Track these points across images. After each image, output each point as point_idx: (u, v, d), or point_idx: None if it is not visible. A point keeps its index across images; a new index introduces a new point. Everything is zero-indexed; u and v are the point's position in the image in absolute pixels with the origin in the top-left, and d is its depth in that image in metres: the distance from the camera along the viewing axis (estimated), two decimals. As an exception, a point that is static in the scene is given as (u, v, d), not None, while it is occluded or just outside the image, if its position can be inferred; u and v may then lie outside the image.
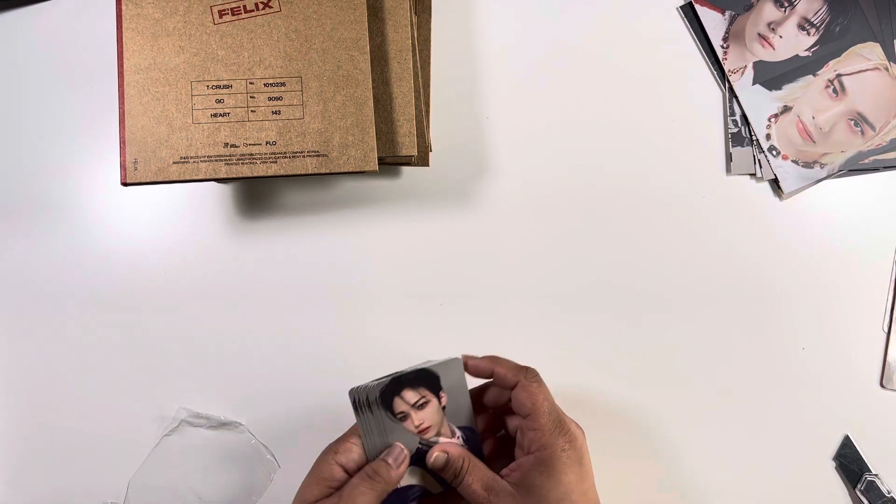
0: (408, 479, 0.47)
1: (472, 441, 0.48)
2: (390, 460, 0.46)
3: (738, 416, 0.56)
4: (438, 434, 0.48)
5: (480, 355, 0.48)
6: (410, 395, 0.47)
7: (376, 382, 0.46)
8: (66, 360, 0.58)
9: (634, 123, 0.59)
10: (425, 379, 0.47)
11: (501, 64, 0.60)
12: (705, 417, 0.56)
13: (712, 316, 0.57)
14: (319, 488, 0.45)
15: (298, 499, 0.46)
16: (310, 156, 0.49)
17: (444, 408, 0.48)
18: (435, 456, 0.46)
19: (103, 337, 0.58)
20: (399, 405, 0.47)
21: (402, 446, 0.46)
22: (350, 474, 0.46)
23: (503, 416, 0.49)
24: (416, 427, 0.47)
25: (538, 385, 0.46)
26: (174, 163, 0.48)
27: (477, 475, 0.45)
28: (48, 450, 0.57)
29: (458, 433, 0.48)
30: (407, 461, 0.46)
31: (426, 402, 0.47)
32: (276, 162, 0.49)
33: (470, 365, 0.48)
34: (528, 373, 0.46)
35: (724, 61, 0.58)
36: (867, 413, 0.55)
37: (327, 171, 0.49)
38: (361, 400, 0.46)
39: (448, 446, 0.46)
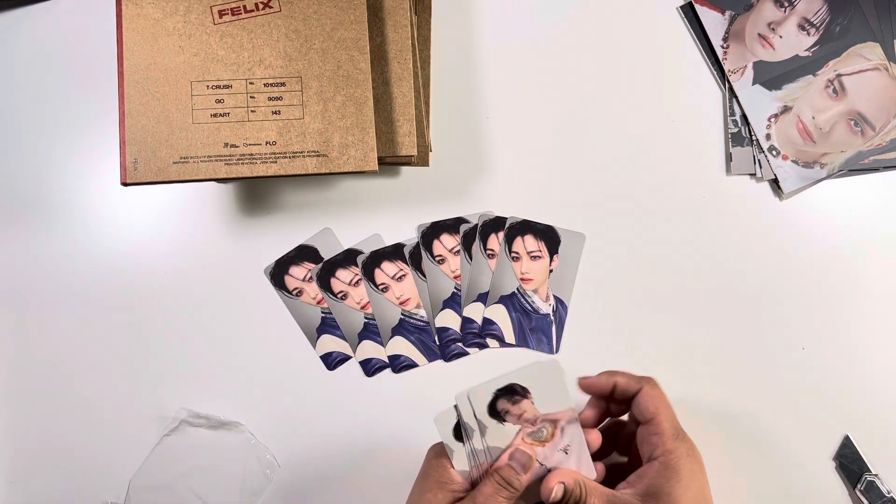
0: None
1: (559, 314, 0.52)
2: (518, 467, 0.45)
3: (738, 416, 0.56)
4: (535, 292, 0.52)
5: (595, 374, 0.48)
6: (531, 244, 0.51)
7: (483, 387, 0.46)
8: (66, 360, 0.58)
9: (634, 123, 0.59)
10: (549, 236, 0.52)
11: (501, 64, 0.60)
12: (704, 418, 0.56)
13: (712, 316, 0.57)
14: (444, 494, 0.44)
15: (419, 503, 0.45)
16: (310, 156, 0.49)
17: (551, 271, 0.50)
18: (554, 491, 0.44)
19: (103, 337, 0.58)
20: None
21: (526, 451, 0.46)
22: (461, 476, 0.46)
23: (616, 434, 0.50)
24: (522, 274, 0.52)
25: (660, 392, 0.46)
26: (174, 163, 0.48)
27: (597, 496, 0.44)
28: (48, 450, 0.57)
29: (552, 300, 0.52)
30: (534, 466, 0.46)
31: (539, 257, 0.51)
32: (275, 162, 0.49)
33: (587, 384, 0.48)
34: (650, 381, 0.46)
35: (724, 61, 0.58)
36: (867, 413, 0.55)
37: (327, 171, 0.49)
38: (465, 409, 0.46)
39: (561, 475, 0.45)
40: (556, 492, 0.44)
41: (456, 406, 0.45)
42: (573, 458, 0.46)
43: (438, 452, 0.46)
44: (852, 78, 0.57)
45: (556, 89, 0.59)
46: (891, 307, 0.56)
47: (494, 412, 0.46)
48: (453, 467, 0.45)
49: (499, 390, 0.45)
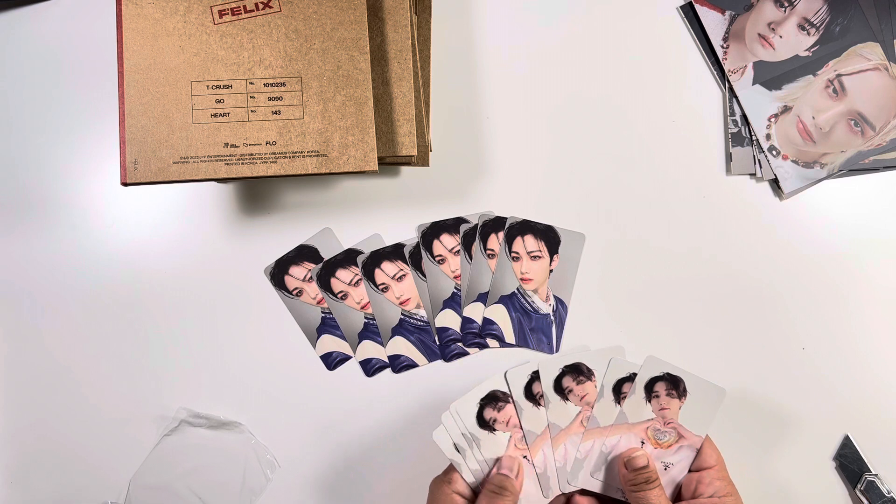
0: None
1: (559, 314, 0.52)
2: (507, 472, 0.47)
3: (737, 416, 0.56)
4: (535, 292, 0.52)
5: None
6: (531, 244, 0.52)
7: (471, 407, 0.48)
8: (66, 360, 0.58)
9: (634, 123, 0.59)
10: (549, 236, 0.52)
11: (501, 64, 0.60)
12: (705, 417, 0.56)
13: (712, 316, 0.57)
14: None
15: None
16: (310, 156, 0.49)
17: (551, 271, 0.50)
18: (639, 454, 0.47)
19: (103, 337, 0.58)
20: (515, 246, 0.51)
21: (512, 455, 0.48)
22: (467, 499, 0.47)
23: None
24: (522, 274, 0.52)
25: (715, 446, 0.49)
26: (174, 163, 0.48)
27: (663, 493, 0.46)
28: (48, 450, 0.57)
29: (552, 300, 0.52)
30: (522, 468, 0.48)
31: (539, 257, 0.51)
32: (276, 162, 0.49)
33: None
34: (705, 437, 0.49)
35: (724, 61, 0.58)
36: (867, 413, 0.55)
37: (327, 171, 0.49)
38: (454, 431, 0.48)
39: (649, 455, 0.47)
40: (641, 458, 0.47)
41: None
42: (667, 478, 0.48)
43: (439, 482, 0.48)
44: (852, 78, 0.57)
45: (555, 89, 0.59)
46: (891, 307, 0.56)
47: (650, 390, 0.48)
48: (464, 479, 0.47)
49: (667, 374, 0.47)
